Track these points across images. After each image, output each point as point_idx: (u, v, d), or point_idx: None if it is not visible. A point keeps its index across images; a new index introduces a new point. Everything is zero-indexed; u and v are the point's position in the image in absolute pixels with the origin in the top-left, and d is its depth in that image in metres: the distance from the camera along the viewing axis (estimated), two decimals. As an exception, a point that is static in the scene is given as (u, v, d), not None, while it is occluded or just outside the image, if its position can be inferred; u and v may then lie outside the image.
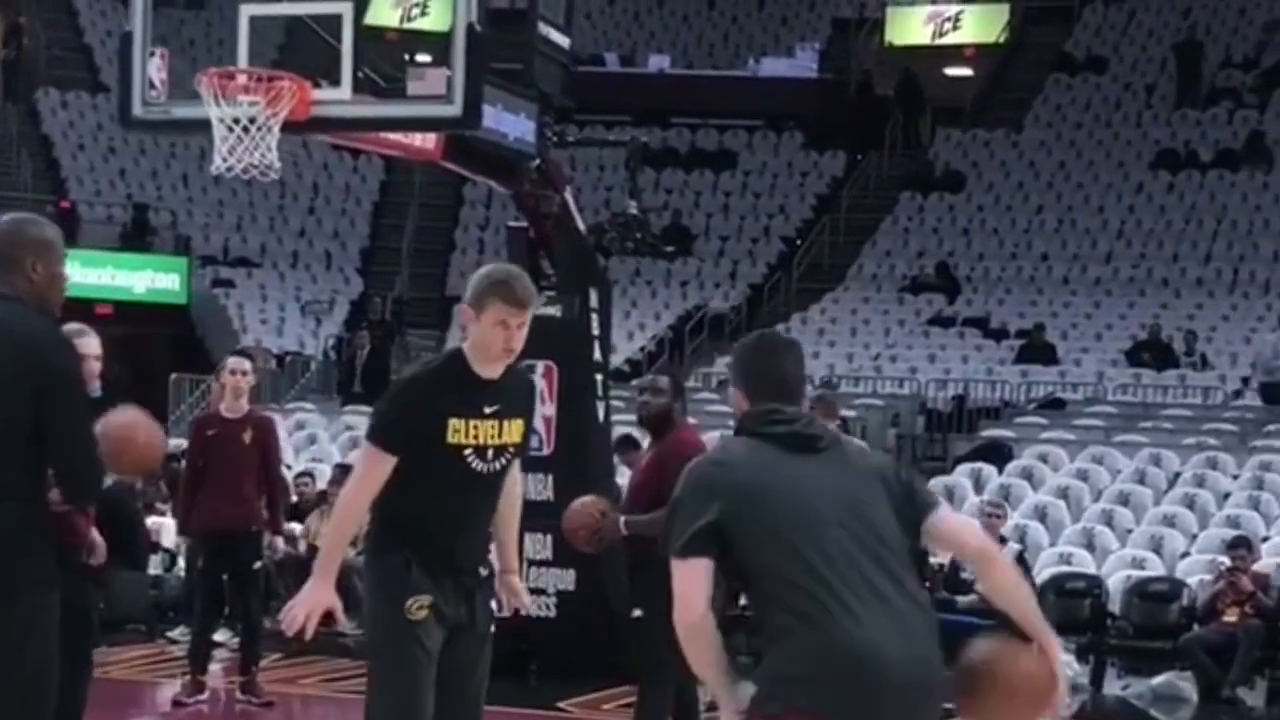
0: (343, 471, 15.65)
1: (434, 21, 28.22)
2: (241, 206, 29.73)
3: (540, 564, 11.50)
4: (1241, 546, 13.49)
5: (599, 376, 12.15)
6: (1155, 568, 14.60)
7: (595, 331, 11.95)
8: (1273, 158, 29.14)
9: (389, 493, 5.43)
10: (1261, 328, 24.54)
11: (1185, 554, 14.89)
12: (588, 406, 12.01)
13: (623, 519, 8.22)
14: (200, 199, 29.50)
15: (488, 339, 5.46)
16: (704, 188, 30.97)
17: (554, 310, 10.97)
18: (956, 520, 4.71)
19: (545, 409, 10.92)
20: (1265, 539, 15.02)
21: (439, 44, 13.08)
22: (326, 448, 18.71)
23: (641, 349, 25.66)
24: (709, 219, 30.18)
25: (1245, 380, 22.73)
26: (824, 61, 33.61)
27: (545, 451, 11.18)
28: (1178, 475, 17.18)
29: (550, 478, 11.25)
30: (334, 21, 9.62)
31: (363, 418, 20.01)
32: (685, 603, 4.29)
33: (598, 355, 12.12)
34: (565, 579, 11.70)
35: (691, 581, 4.30)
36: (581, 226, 11.32)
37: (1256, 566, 13.64)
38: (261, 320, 26.15)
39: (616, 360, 21.68)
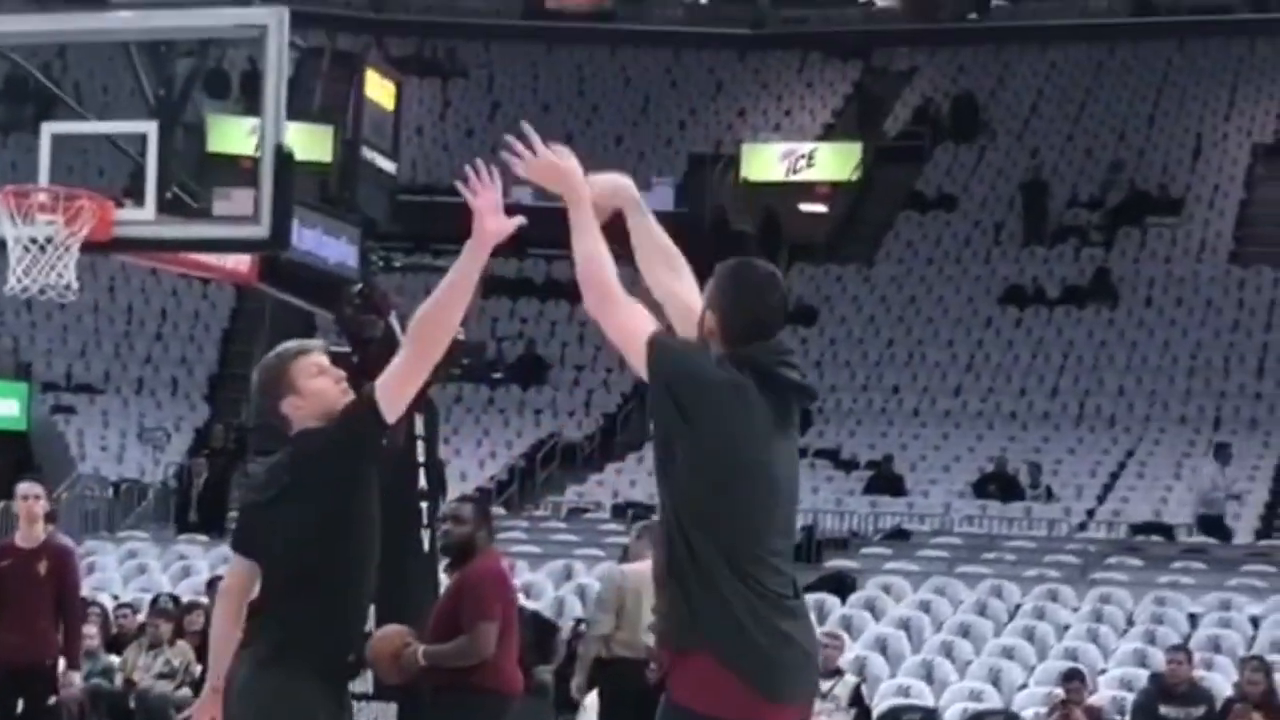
0: (170, 601, 15.17)
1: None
2: (86, 332, 29.17)
3: (361, 698, 11.06)
4: (1075, 679, 13.35)
5: (424, 504, 11.78)
6: (993, 700, 14.42)
7: (421, 458, 11.60)
8: (1118, 294, 29.60)
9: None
10: (1107, 461, 24.74)
11: (1023, 686, 14.75)
12: (411, 536, 11.61)
13: (420, 649, 7.92)
14: (44, 324, 28.92)
15: (324, 397, 5.19)
16: (559, 317, 30.84)
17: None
18: None
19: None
20: (1103, 671, 14.93)
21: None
22: (156, 577, 18.15)
23: (492, 477, 25.33)
24: (564, 348, 30.03)
25: (1089, 512, 22.85)
26: (681, 196, 33.74)
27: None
28: (1018, 607, 17.10)
29: (371, 608, 10.84)
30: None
31: (198, 547, 19.52)
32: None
33: (423, 483, 11.76)
34: (387, 714, 11.25)
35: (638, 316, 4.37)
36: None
37: (1091, 699, 13.52)
38: (101, 447, 25.54)
39: (466, 487, 21.35)
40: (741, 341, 4.39)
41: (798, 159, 33.77)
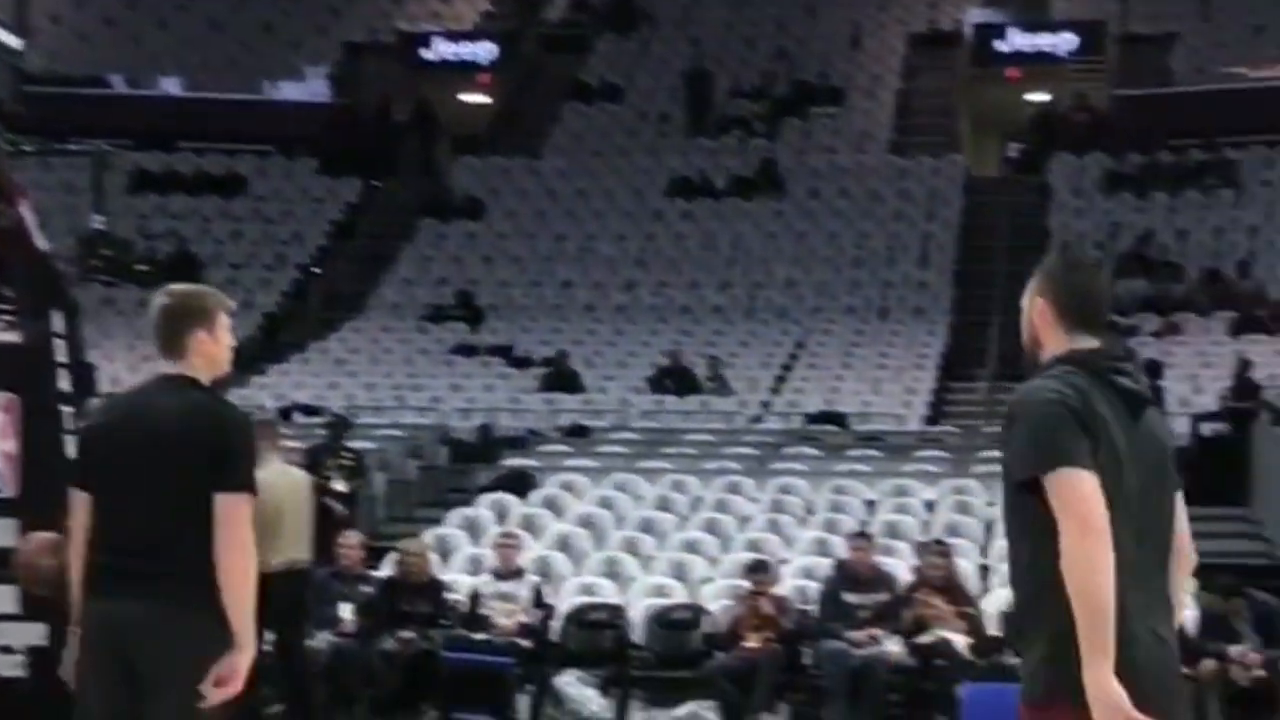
0: None
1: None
2: None
3: (6, 619, 10.41)
4: (760, 570, 13.46)
5: (68, 408, 11.09)
6: (679, 595, 14.47)
7: (63, 359, 10.90)
8: (784, 185, 29.99)
9: None
10: (779, 352, 25.11)
11: (708, 579, 14.83)
12: (56, 442, 10.92)
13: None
14: None
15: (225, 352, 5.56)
16: (212, 214, 29.86)
17: (13, 336, 9.96)
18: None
19: (6, 445, 9.92)
20: (784, 562, 15.10)
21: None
22: None
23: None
24: (219, 246, 29.08)
25: (765, 404, 23.16)
26: (337, 86, 32.96)
27: (8, 493, 10.14)
28: (700, 501, 17.21)
29: (16, 522, 10.20)
30: None
31: None
32: (1088, 514, 4.04)
33: (66, 385, 11.06)
34: (35, 633, 10.58)
35: (1091, 491, 4.07)
36: (43, 245, 10.34)
37: (776, 589, 13.66)
38: None
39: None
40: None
41: (457, 47, 33.33)
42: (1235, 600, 12.32)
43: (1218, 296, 25.47)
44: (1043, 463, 4.10)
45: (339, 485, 15.80)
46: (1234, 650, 11.98)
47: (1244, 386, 20.96)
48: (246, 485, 5.31)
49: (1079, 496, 4.05)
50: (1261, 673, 11.85)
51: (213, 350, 5.50)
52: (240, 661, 5.25)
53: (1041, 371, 4.38)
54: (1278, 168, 28.82)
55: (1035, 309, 4.48)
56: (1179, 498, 4.42)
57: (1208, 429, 20.14)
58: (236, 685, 5.27)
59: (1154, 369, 20.98)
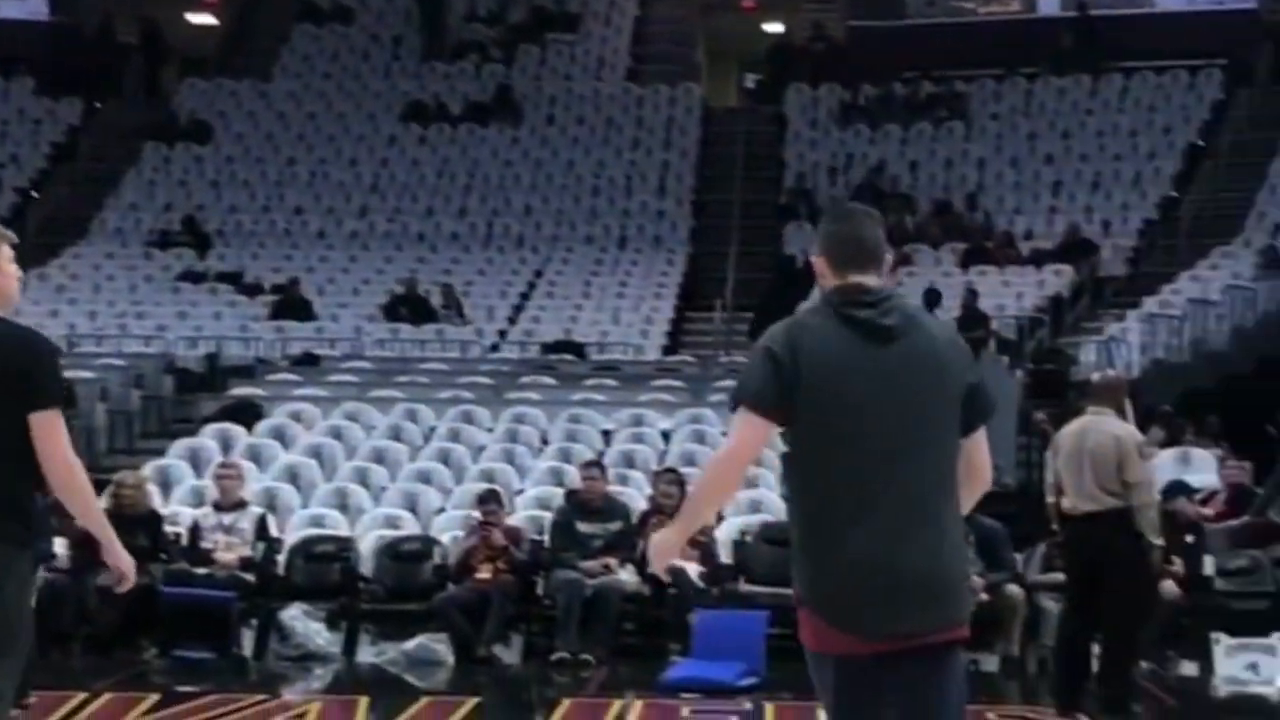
0: None
1: None
2: None
3: None
4: (492, 501, 13.26)
5: None
6: (410, 526, 14.22)
7: None
8: (521, 112, 29.70)
9: None
10: (517, 281, 24.90)
11: (440, 510, 14.60)
12: None
13: None
14: None
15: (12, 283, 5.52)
16: None
17: None
18: (983, 442, 4.87)
19: None
20: (519, 492, 14.95)
21: None
22: None
23: None
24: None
25: (502, 333, 22.96)
26: (55, 3, 31.72)
27: None
28: (433, 430, 16.94)
29: None
30: None
31: None
32: (735, 450, 4.76)
33: None
34: None
35: (751, 432, 4.73)
36: None
37: (509, 520, 13.49)
38: None
39: None
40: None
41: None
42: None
43: (948, 228, 25.92)
44: (735, 398, 4.81)
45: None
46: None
47: (972, 316, 21.34)
48: (58, 400, 5.31)
49: (740, 433, 4.75)
50: (985, 597, 12.03)
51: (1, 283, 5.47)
52: (120, 562, 5.47)
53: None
54: (1005, 101, 29.38)
55: (816, 264, 4.91)
56: (953, 416, 4.76)
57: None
58: (128, 582, 5.55)
59: (934, 298, 21.27)
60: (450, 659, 12.37)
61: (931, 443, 4.71)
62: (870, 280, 4.81)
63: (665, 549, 5.05)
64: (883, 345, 4.71)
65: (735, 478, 4.96)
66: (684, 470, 14.26)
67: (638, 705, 10.38)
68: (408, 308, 23.02)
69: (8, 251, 5.47)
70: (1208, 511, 14.29)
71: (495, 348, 22.32)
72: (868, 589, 4.60)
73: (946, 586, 4.70)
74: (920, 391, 4.71)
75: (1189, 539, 12.63)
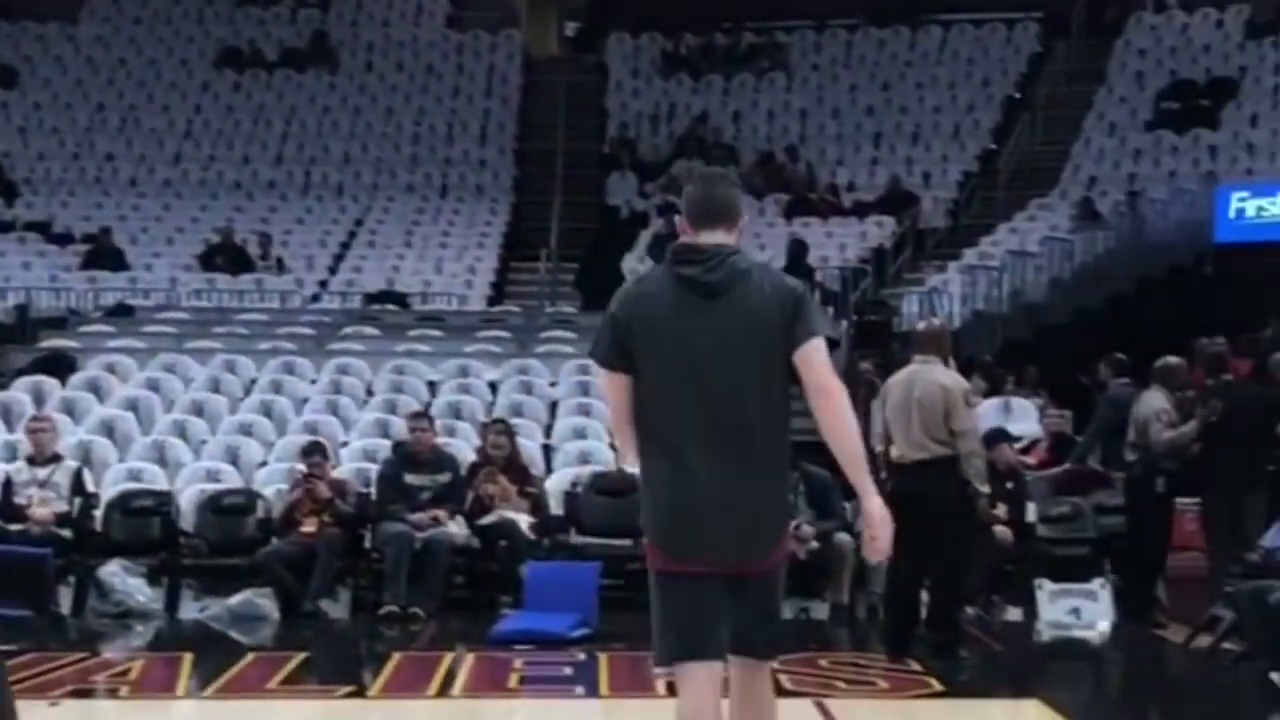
0: None
1: None
2: None
3: None
4: (316, 453, 13.06)
5: None
6: (232, 479, 13.97)
7: None
8: (338, 59, 29.31)
9: None
10: (337, 230, 24.61)
11: (263, 463, 14.37)
12: None
13: None
14: None
15: None
16: None
17: None
18: (819, 356, 5.15)
19: None
20: (344, 444, 14.77)
21: None
22: None
23: None
24: None
25: (323, 283, 22.68)
26: None
27: None
28: (254, 382, 16.67)
29: None
30: None
31: None
32: (612, 409, 5.34)
33: None
34: None
35: (614, 391, 5.25)
36: None
37: (334, 472, 13.32)
38: None
39: None
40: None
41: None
42: (790, 474, 12.57)
43: (771, 179, 26.07)
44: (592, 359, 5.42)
45: None
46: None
47: (797, 268, 21.48)
48: None
49: (607, 391, 5.36)
50: (815, 544, 12.14)
51: None
52: None
53: None
54: (825, 52, 29.60)
55: (679, 224, 5.33)
56: (778, 364, 5.13)
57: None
58: None
59: (798, 249, 21.36)
60: (275, 614, 12.18)
61: (753, 389, 5.09)
62: (719, 237, 5.20)
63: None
64: (708, 299, 5.11)
65: (622, 431, 5.35)
66: (513, 421, 14.21)
67: (469, 659, 10.29)
68: (224, 257, 22.63)
69: None
70: (1030, 460, 14.56)
71: (316, 298, 22.04)
72: (688, 520, 5.11)
73: (758, 522, 5.16)
74: (742, 342, 5.08)
75: (1009, 485, 12.83)
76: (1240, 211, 22.53)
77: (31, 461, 13.07)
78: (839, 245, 23.54)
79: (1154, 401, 12.25)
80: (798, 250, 21.77)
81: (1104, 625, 12.09)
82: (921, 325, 11.50)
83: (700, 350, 5.08)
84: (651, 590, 5.25)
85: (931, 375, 10.27)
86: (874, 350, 19.04)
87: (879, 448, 10.93)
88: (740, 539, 5.13)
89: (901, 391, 10.34)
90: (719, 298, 5.09)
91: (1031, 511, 13.11)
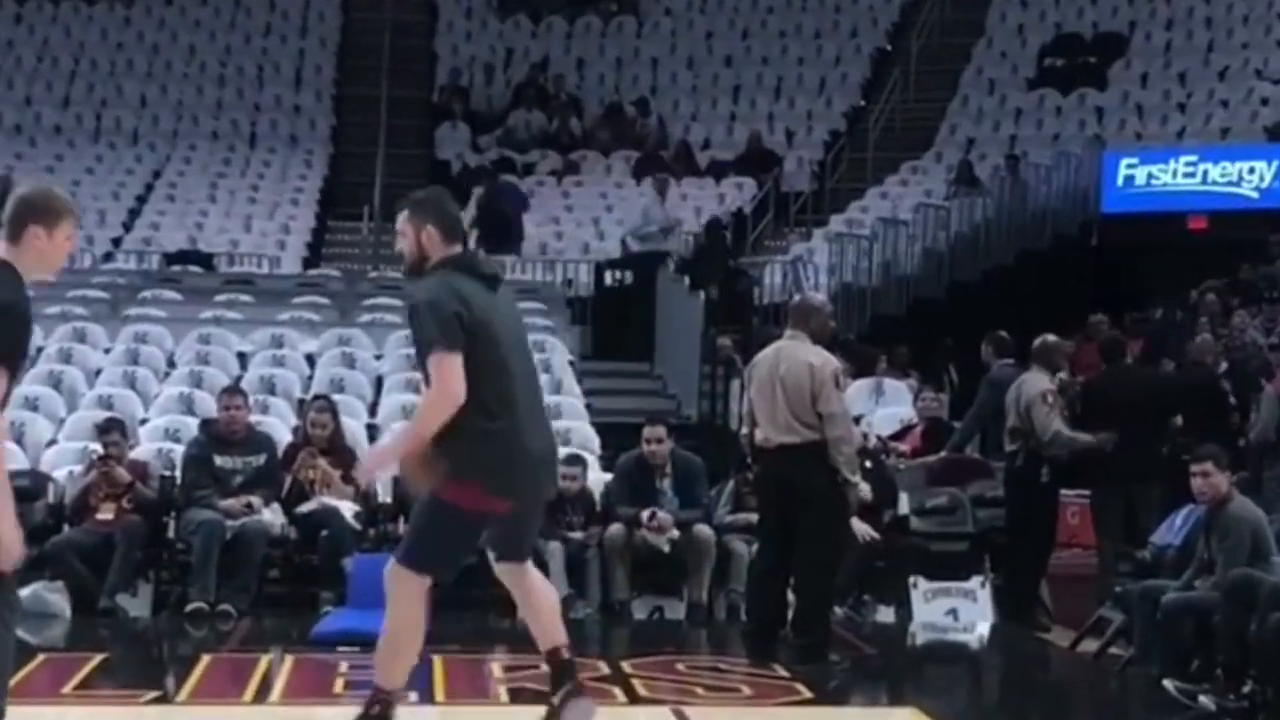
0: None
1: None
2: None
3: None
4: (113, 430, 12.93)
5: None
6: (18, 460, 13.72)
7: None
8: (133, -11, 28.98)
9: None
10: (132, 182, 24.31)
11: (52, 442, 14.19)
12: None
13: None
14: None
15: (60, 254, 6.17)
16: None
17: None
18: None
19: None
20: (144, 421, 14.62)
21: None
22: None
23: None
24: None
25: (116, 241, 22.39)
26: None
27: None
28: (40, 351, 16.42)
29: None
30: None
31: None
32: (453, 390, 6.98)
33: None
34: None
35: (454, 371, 6.98)
36: None
37: (134, 453, 13.20)
38: None
39: None
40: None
41: None
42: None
43: (619, 134, 26.16)
44: (431, 346, 7.04)
45: None
46: (644, 513, 12.31)
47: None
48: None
49: (451, 375, 7.01)
50: (675, 534, 12.24)
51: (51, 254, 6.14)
52: None
53: (430, 274, 7.24)
54: (681, -4, 29.73)
55: (424, 234, 7.25)
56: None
57: (610, 277, 20.71)
58: None
59: (716, 224, 21.48)
60: (68, 611, 12.03)
61: (531, 359, 7.68)
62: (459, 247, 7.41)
63: (385, 458, 8.10)
64: (496, 292, 7.32)
65: (448, 412, 7.09)
66: (336, 398, 14.16)
67: (287, 661, 10.25)
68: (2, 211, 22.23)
69: (69, 227, 6.16)
70: (903, 447, 14.78)
71: (109, 257, 21.77)
72: (521, 463, 7.20)
73: (557, 459, 7.77)
74: (519, 324, 7.59)
75: (867, 465, 12.98)
76: (1129, 179, 23.06)
77: None
78: (694, 209, 23.70)
79: (1036, 384, 12.49)
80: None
81: (983, 627, 12.30)
82: (796, 298, 11.60)
83: (507, 329, 7.27)
84: (442, 519, 7.17)
85: (799, 353, 10.38)
86: (732, 325, 19.21)
87: (743, 431, 11.04)
88: (555, 471, 7.77)
89: (766, 370, 10.45)
90: (499, 290, 7.38)
91: (905, 503, 13.31)
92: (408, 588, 7.31)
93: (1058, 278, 21.19)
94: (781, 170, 25.21)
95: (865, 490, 11.79)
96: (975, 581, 12.52)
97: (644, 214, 21.68)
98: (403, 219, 7.30)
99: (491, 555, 7.63)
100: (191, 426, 13.90)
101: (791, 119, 26.89)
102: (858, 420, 13.57)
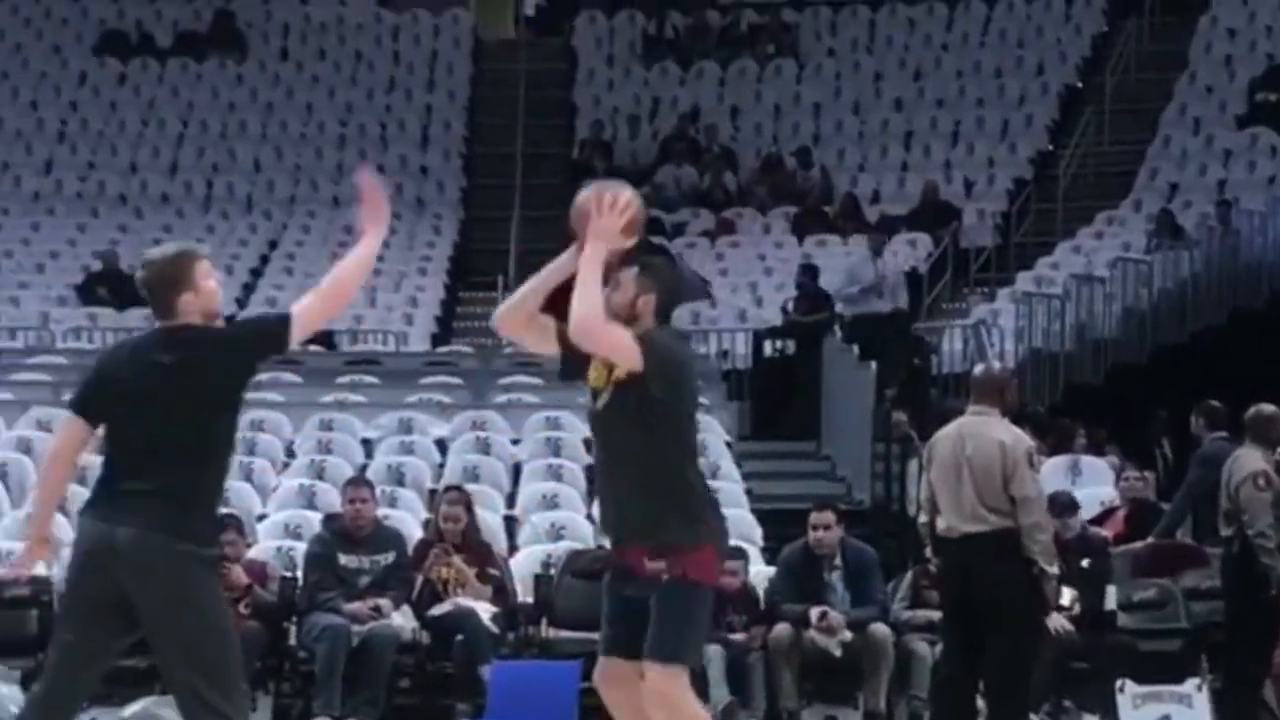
0: None
1: None
2: None
3: None
4: (230, 528, 12.98)
5: None
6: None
7: None
8: (246, 44, 29.43)
9: None
10: (246, 253, 24.66)
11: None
12: None
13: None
14: None
15: (216, 296, 7.11)
16: None
17: None
18: None
19: None
20: (261, 517, 14.80)
21: None
22: None
23: None
24: None
25: (230, 319, 22.64)
26: None
27: None
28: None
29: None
30: None
31: None
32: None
33: None
34: None
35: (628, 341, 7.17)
36: None
37: (251, 553, 13.35)
38: None
39: None
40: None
41: None
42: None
43: (778, 189, 26.19)
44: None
45: None
46: (813, 611, 12.26)
47: (811, 297, 21.58)
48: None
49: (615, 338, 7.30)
50: (848, 636, 12.17)
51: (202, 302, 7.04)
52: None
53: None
54: (843, 34, 29.75)
55: (643, 300, 7.27)
56: None
57: (769, 347, 20.69)
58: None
59: (810, 273, 21.48)
60: (180, 727, 12.17)
61: None
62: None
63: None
64: None
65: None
66: (470, 488, 14.22)
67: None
68: (107, 287, 22.72)
69: (205, 265, 6.96)
70: (1104, 532, 14.61)
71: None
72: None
73: None
74: None
75: (1085, 564, 12.87)
76: (1356, 225, 22.70)
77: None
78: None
79: (1250, 462, 12.28)
80: (809, 276, 21.82)
81: (1201, 735, 12.15)
82: (979, 369, 11.52)
83: None
84: (691, 603, 7.12)
85: (987, 430, 10.31)
86: (909, 398, 19.13)
87: (922, 519, 10.97)
88: None
89: (949, 449, 10.39)
90: None
91: (1111, 597, 13.15)
92: (683, 685, 7.18)
93: (1276, 340, 20.88)
94: (960, 224, 25.09)
95: (1067, 594, 11.74)
96: (1191, 684, 12.37)
97: (849, 274, 21.79)
98: (630, 274, 7.33)
99: (606, 652, 7.38)
100: (313, 522, 14.03)
101: (971, 167, 26.79)
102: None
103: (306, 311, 7.04)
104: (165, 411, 6.89)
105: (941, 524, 10.43)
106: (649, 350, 7.16)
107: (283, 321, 7.04)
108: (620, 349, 7.14)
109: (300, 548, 13.55)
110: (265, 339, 7.12)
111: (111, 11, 29.97)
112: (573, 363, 7.36)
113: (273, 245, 25.10)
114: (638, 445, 7.22)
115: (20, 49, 29.19)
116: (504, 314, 7.47)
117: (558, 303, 7.32)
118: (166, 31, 29.54)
